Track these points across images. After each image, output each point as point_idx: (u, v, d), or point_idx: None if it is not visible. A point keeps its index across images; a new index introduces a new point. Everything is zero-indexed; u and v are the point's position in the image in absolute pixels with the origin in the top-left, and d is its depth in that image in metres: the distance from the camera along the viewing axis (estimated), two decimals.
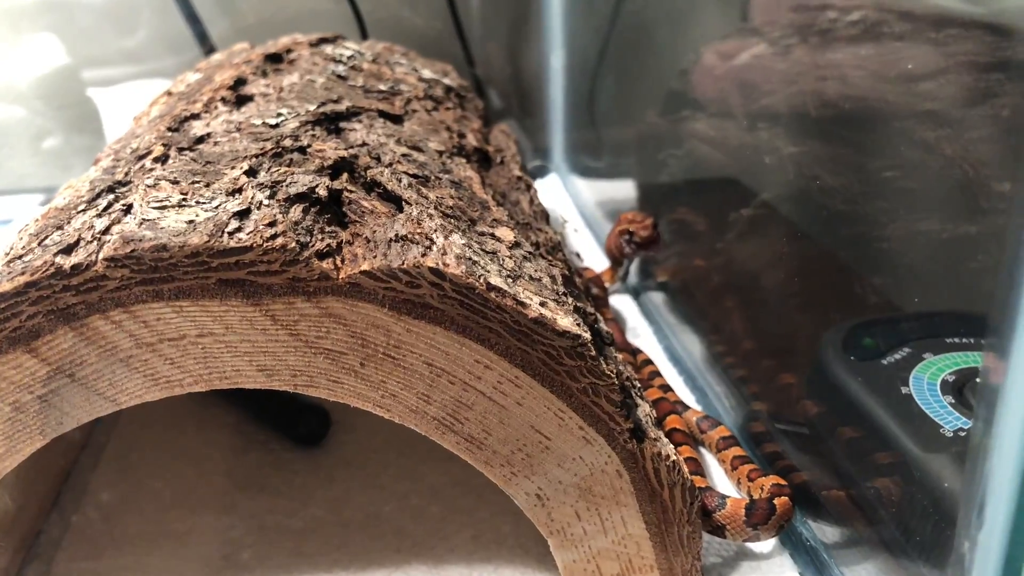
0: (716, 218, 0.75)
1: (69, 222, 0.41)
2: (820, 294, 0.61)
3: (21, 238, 0.43)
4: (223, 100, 0.58)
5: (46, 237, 0.39)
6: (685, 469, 0.41)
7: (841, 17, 0.69)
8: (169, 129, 0.52)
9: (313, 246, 0.36)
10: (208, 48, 1.02)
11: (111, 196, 0.42)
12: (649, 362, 0.60)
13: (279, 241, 0.35)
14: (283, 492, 0.53)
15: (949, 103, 0.57)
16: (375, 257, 0.37)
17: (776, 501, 0.46)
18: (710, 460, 0.54)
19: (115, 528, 0.50)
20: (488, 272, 0.38)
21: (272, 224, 0.36)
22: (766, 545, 0.47)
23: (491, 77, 1.15)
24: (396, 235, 0.38)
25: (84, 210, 0.41)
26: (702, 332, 0.66)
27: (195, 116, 0.54)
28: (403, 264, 0.36)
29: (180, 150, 0.47)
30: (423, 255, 0.37)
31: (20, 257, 0.38)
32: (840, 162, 0.63)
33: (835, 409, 0.51)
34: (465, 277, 0.36)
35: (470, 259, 0.38)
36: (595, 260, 0.80)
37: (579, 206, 0.93)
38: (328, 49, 0.72)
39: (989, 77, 0.55)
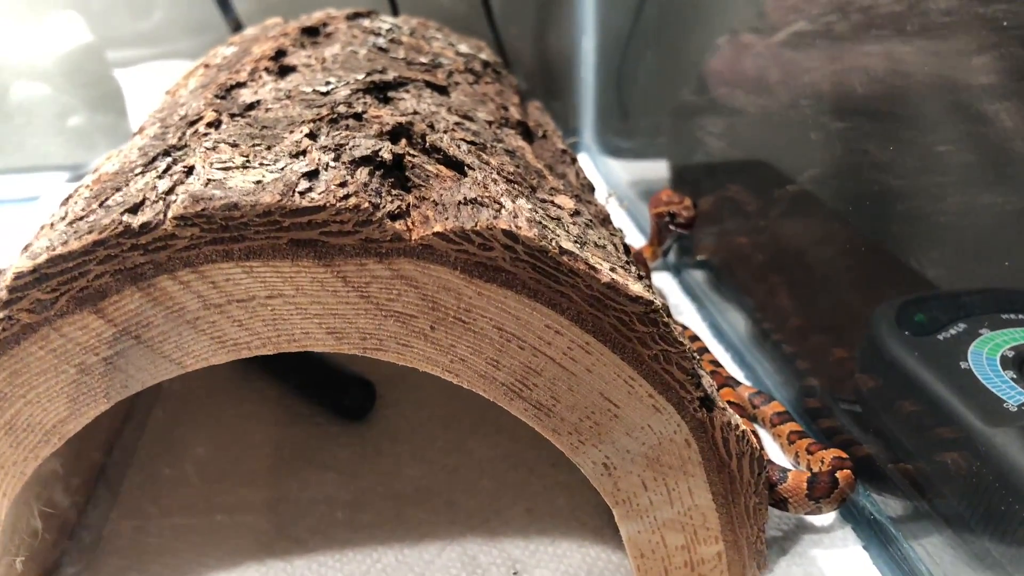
0: (757, 196, 0.74)
1: (127, 184, 0.40)
2: (869, 270, 0.60)
3: (76, 202, 0.42)
4: (267, 70, 0.57)
5: (107, 198, 0.38)
6: (754, 440, 0.40)
7: None
8: (217, 96, 0.51)
9: (384, 207, 0.35)
10: (235, 25, 1.01)
11: (168, 159, 0.41)
12: (696, 338, 0.59)
13: (352, 201, 0.34)
14: (331, 465, 0.52)
15: (1005, 76, 0.56)
16: (446, 219, 0.36)
17: (838, 474, 0.45)
18: (763, 436, 0.53)
19: (162, 498, 0.50)
20: (559, 236, 0.37)
21: (343, 184, 0.35)
22: (827, 518, 0.46)
23: (516, 58, 1.14)
24: (465, 198, 0.38)
25: (142, 172, 0.41)
26: (747, 309, 0.65)
27: (241, 84, 0.54)
28: (476, 226, 0.35)
29: (232, 116, 0.47)
30: (495, 217, 0.36)
31: (82, 218, 0.37)
32: (890, 137, 0.62)
33: (892, 384, 0.50)
34: (538, 240, 0.36)
35: (540, 223, 0.37)
36: (632, 238, 0.79)
37: (612, 185, 0.92)
38: (365, 23, 0.71)
39: None
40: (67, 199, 0.53)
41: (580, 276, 0.36)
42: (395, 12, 0.97)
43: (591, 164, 0.98)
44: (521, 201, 0.39)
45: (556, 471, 0.50)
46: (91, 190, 0.43)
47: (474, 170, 0.41)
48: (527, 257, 0.36)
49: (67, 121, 1.04)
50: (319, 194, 0.35)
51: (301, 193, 0.35)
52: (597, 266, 0.37)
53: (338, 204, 0.34)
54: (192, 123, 0.47)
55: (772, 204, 0.70)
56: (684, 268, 0.75)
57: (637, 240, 0.78)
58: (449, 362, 0.37)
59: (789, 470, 0.45)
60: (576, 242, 0.39)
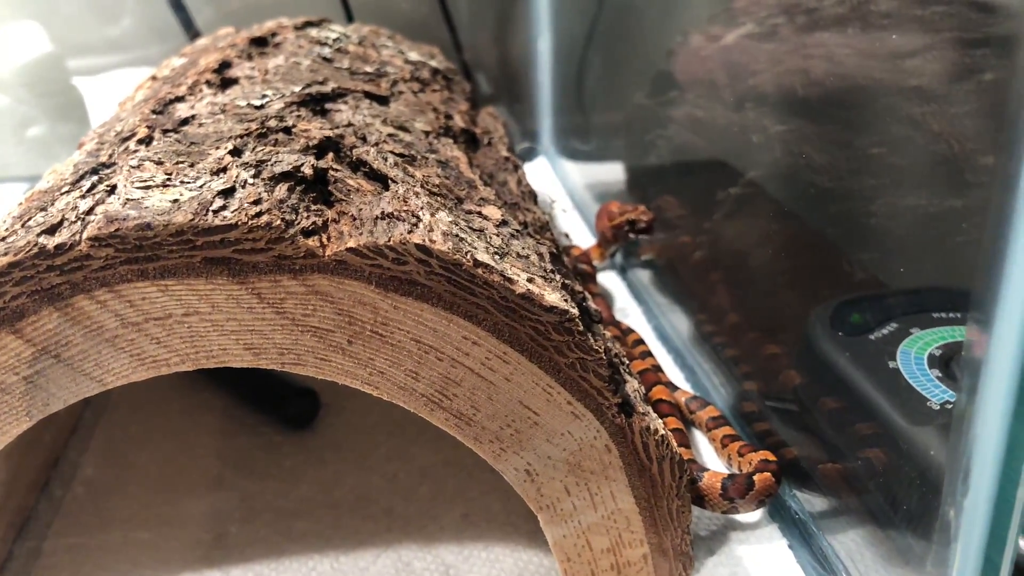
0: (702, 197, 0.75)
1: (52, 203, 0.40)
2: (807, 272, 0.61)
3: (4, 221, 0.42)
4: (208, 83, 0.57)
5: (29, 219, 0.39)
6: (674, 443, 0.41)
7: None
8: (153, 112, 0.52)
9: (299, 224, 0.36)
10: (193, 34, 1.01)
11: (95, 178, 0.42)
12: (641, 342, 0.60)
13: (264, 219, 0.35)
14: (273, 474, 0.53)
15: (935, 79, 0.57)
16: (361, 234, 0.36)
17: (756, 477, 0.46)
18: (700, 440, 0.54)
19: (104, 509, 0.50)
20: (475, 249, 0.38)
21: (257, 202, 0.36)
22: (754, 516, 0.47)
23: (479, 62, 1.14)
24: (382, 212, 0.38)
25: (67, 192, 0.41)
26: (690, 311, 0.66)
27: (179, 99, 0.54)
28: (389, 241, 0.36)
29: (164, 132, 0.47)
30: (409, 232, 0.37)
31: (3, 239, 0.38)
32: (827, 140, 0.63)
33: (824, 384, 0.51)
34: (452, 253, 0.36)
35: (457, 236, 0.38)
36: (583, 240, 0.80)
37: (568, 188, 0.93)
38: (313, 32, 0.72)
39: (974, 53, 0.55)
40: (5, 215, 0.53)
41: (495, 288, 0.37)
42: (349, 19, 0.98)
43: (549, 167, 0.99)
44: (441, 214, 0.40)
45: (494, 476, 0.51)
46: (21, 208, 0.43)
47: (396, 183, 0.42)
48: (442, 270, 0.36)
49: (27, 131, 1.04)
50: (232, 212, 0.35)
51: (215, 211, 0.35)
52: (514, 277, 0.38)
53: (250, 222, 0.35)
54: (124, 139, 0.47)
55: (716, 205, 0.71)
56: (630, 268, 0.76)
57: (586, 239, 0.79)
58: (368, 375, 0.38)
59: (706, 470, 0.46)
60: (496, 254, 0.39)
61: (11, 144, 1.03)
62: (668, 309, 0.68)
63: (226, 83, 0.59)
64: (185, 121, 0.49)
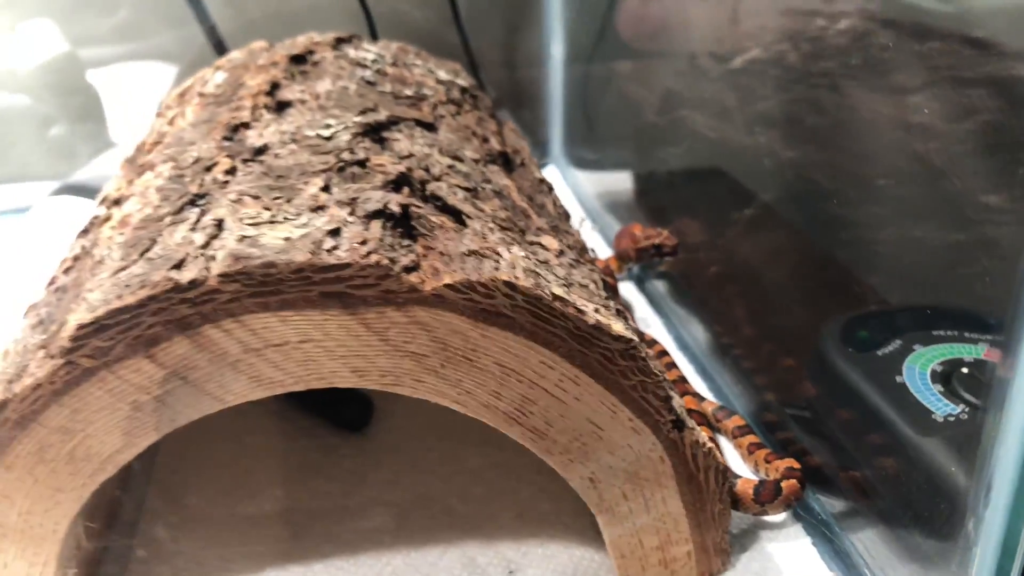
0: (716, 215, 0.80)
1: (161, 234, 0.44)
2: (820, 290, 0.66)
3: (109, 248, 0.46)
4: (266, 107, 0.61)
5: (146, 250, 0.43)
6: (718, 455, 0.46)
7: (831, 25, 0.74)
8: (225, 139, 0.56)
9: (400, 262, 0.40)
10: (208, 26, 1.02)
11: (196, 210, 0.46)
12: (665, 353, 0.65)
13: (373, 258, 0.39)
14: (335, 475, 0.57)
15: (936, 116, 0.62)
16: (454, 271, 0.41)
17: (783, 483, 0.51)
18: (725, 447, 0.60)
19: (185, 510, 0.54)
20: (550, 283, 0.43)
21: (364, 242, 0.40)
22: (780, 517, 0.53)
23: (486, 67, 1.18)
24: (468, 250, 0.43)
25: (172, 223, 0.45)
26: (708, 323, 0.72)
27: (245, 125, 0.58)
28: (481, 278, 0.40)
29: (245, 161, 0.51)
30: (495, 269, 0.41)
31: (125, 268, 0.42)
32: (835, 167, 0.68)
33: (837, 397, 0.57)
34: (534, 289, 0.41)
35: (535, 272, 0.43)
36: (600, 251, 0.85)
37: (579, 198, 0.98)
38: (351, 52, 0.75)
39: (971, 92, 0.60)
40: (85, 232, 0.57)
41: (570, 319, 0.42)
42: (374, 36, 1.01)
43: (559, 176, 1.03)
44: (516, 249, 0.45)
45: (541, 477, 0.56)
46: (122, 235, 0.47)
47: (472, 219, 0.46)
48: (524, 304, 0.41)
49: (48, 131, 1.06)
50: (344, 252, 0.40)
51: (328, 251, 0.40)
52: (583, 308, 0.42)
53: (361, 261, 0.39)
54: (208, 168, 0.51)
55: (730, 224, 0.76)
56: (647, 279, 0.81)
57: (604, 252, 0.83)
58: (457, 394, 0.43)
59: (739, 477, 0.51)
60: (564, 285, 0.44)
61: (33, 144, 1.05)
62: (686, 320, 0.73)
63: (281, 106, 0.62)
64: (260, 151, 0.53)
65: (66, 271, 0.52)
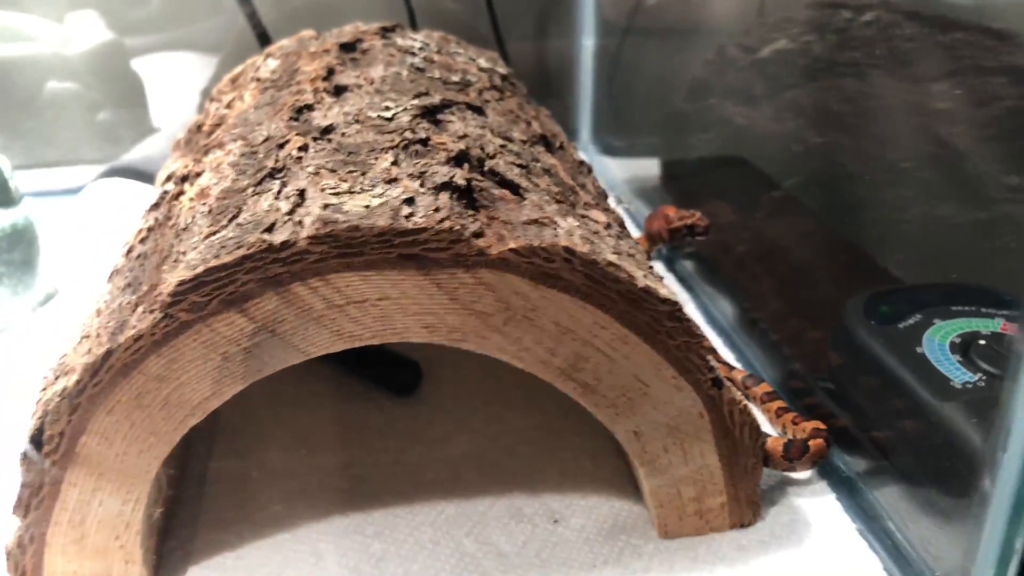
0: (743, 197, 0.84)
1: (246, 203, 0.48)
2: (845, 267, 0.70)
3: (191, 216, 0.50)
4: (326, 91, 0.65)
5: (234, 216, 0.47)
6: (752, 412, 0.50)
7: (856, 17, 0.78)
8: (292, 119, 0.60)
9: (469, 228, 0.44)
10: (250, 13, 1.06)
11: (277, 182, 0.50)
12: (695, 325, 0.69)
13: (447, 224, 0.43)
14: (389, 434, 0.61)
15: (959, 102, 0.66)
16: (518, 237, 0.45)
17: (811, 442, 0.55)
18: (755, 412, 0.63)
19: (251, 462, 0.58)
20: (603, 250, 0.47)
21: (437, 210, 0.44)
22: (807, 475, 0.57)
23: (517, 56, 1.21)
24: (528, 219, 0.47)
25: (256, 193, 0.49)
26: (736, 299, 0.76)
27: (309, 107, 0.62)
28: (542, 244, 0.44)
29: (315, 139, 0.55)
30: (555, 236, 0.45)
31: (216, 233, 0.46)
32: (861, 152, 0.72)
33: (861, 366, 0.61)
34: (591, 254, 0.45)
35: (589, 239, 0.47)
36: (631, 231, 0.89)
37: (607, 184, 1.01)
38: (398, 40, 0.79)
39: (993, 80, 0.64)
40: (155, 206, 0.61)
41: (622, 283, 0.46)
42: (414, 26, 1.05)
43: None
44: (570, 219, 0.49)
45: (581, 439, 0.60)
46: (204, 205, 0.51)
47: (529, 192, 0.50)
48: (581, 268, 0.45)
49: (96, 116, 1.10)
50: (421, 218, 0.44)
51: (406, 217, 0.44)
52: (634, 273, 0.46)
53: (436, 226, 0.43)
54: (280, 145, 0.55)
55: (757, 206, 0.80)
56: (676, 260, 0.84)
57: (634, 233, 0.87)
58: (516, 351, 0.47)
59: (770, 436, 0.55)
60: (616, 253, 0.48)
61: (81, 128, 1.09)
62: (715, 297, 0.77)
63: (339, 90, 0.66)
64: (327, 130, 0.57)
65: (142, 240, 0.56)
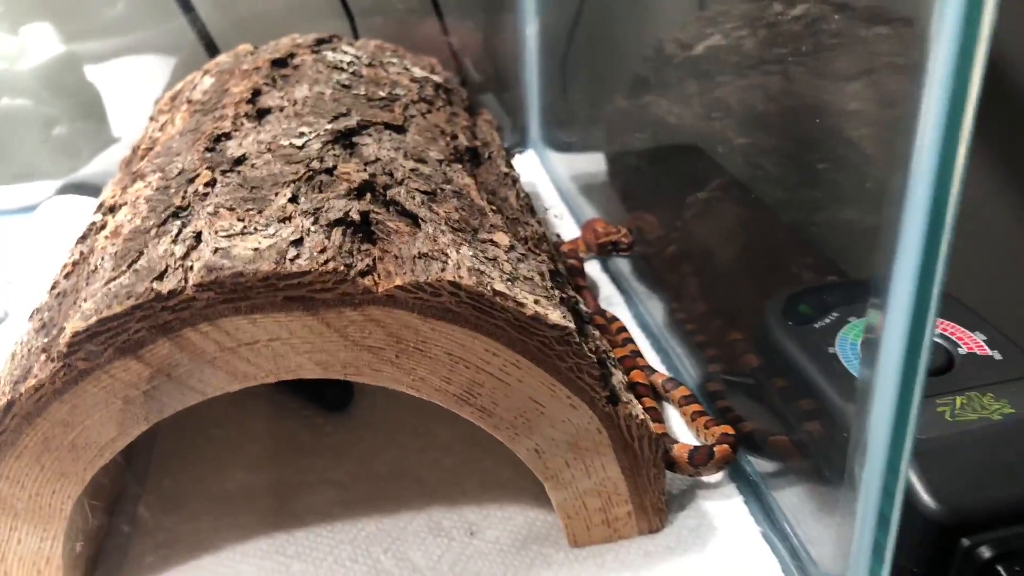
0: (673, 197, 0.85)
1: (147, 246, 0.50)
2: (765, 269, 0.71)
3: (102, 258, 0.52)
4: (247, 116, 0.66)
5: (133, 261, 0.48)
6: (651, 425, 0.52)
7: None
8: (207, 150, 0.61)
9: (355, 267, 0.46)
10: (198, 25, 1.06)
11: (178, 223, 0.51)
12: (623, 329, 0.71)
13: (331, 265, 0.45)
14: (319, 451, 0.63)
15: (871, 103, 0.66)
16: (404, 273, 0.46)
17: (716, 448, 0.57)
18: (673, 415, 0.65)
19: (181, 486, 0.60)
20: (493, 279, 0.48)
21: (323, 251, 0.46)
22: (716, 478, 0.58)
23: (467, 51, 1.22)
24: (419, 252, 0.48)
25: (157, 236, 0.51)
26: (665, 300, 0.77)
27: (227, 135, 0.63)
28: (427, 279, 0.46)
29: (224, 172, 0.56)
30: (442, 270, 0.47)
31: (115, 279, 0.47)
32: (780, 153, 0.73)
33: (776, 367, 0.62)
34: (476, 287, 0.46)
35: (478, 270, 0.48)
36: (569, 231, 0.90)
37: (554, 179, 1.02)
38: (329, 55, 0.80)
39: (904, 79, 0.64)
40: (83, 238, 0.63)
41: (510, 311, 0.47)
42: (354, 29, 1.06)
43: (536, 159, 1.08)
44: (464, 249, 0.50)
45: (503, 449, 0.61)
46: (114, 245, 0.53)
47: (426, 223, 0.52)
48: (468, 300, 0.47)
49: (52, 131, 1.11)
50: (305, 260, 0.45)
51: (291, 260, 0.45)
52: (523, 301, 0.48)
53: (320, 268, 0.45)
54: (191, 180, 0.56)
55: (686, 206, 0.81)
56: (611, 258, 0.86)
57: (574, 231, 0.89)
58: (411, 381, 0.48)
59: (676, 442, 0.57)
60: (509, 280, 0.49)
61: (37, 144, 1.11)
62: (646, 297, 0.78)
63: (261, 114, 0.67)
64: (239, 160, 0.58)
65: (66, 276, 0.58)
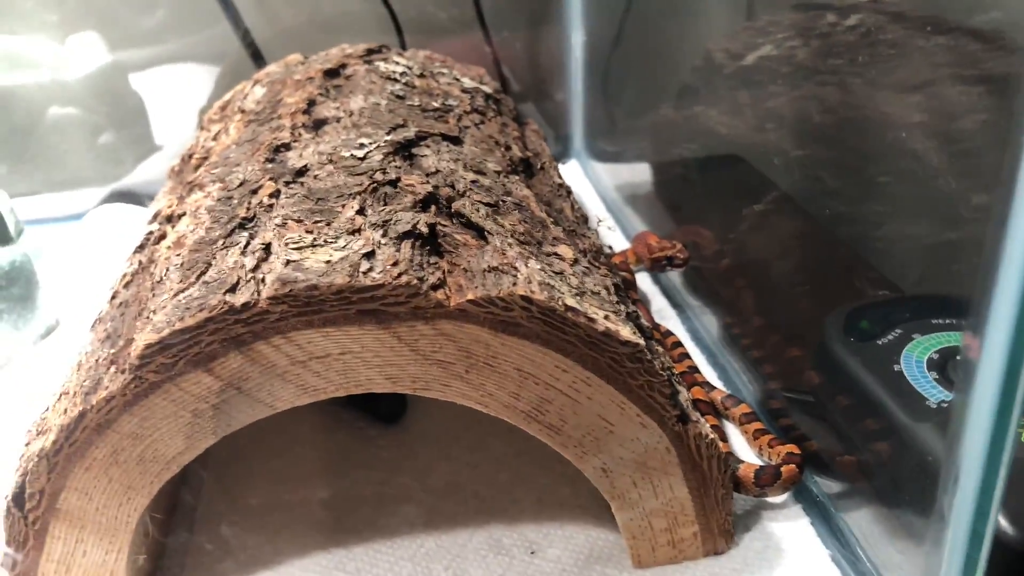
0: (726, 209, 0.84)
1: (215, 258, 0.50)
2: (825, 282, 0.70)
3: (167, 269, 0.52)
4: (304, 127, 0.66)
5: (202, 273, 0.48)
6: (720, 445, 0.51)
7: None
8: (267, 160, 0.61)
9: (428, 280, 0.45)
10: (243, 31, 1.07)
11: (245, 234, 0.51)
12: (679, 344, 0.70)
13: (404, 279, 0.44)
14: (373, 464, 0.63)
15: (933, 115, 0.65)
16: (476, 287, 0.46)
17: (783, 468, 0.56)
18: (733, 432, 0.64)
19: (238, 500, 0.60)
20: (563, 294, 0.47)
21: (396, 264, 0.45)
22: (781, 498, 0.57)
23: (510, 61, 1.21)
24: (489, 266, 0.48)
25: (224, 247, 0.50)
26: (719, 314, 0.76)
27: (286, 146, 0.63)
28: (499, 293, 0.45)
29: (287, 183, 0.56)
30: (513, 284, 0.46)
31: (184, 291, 0.47)
32: (840, 165, 0.72)
33: (839, 385, 0.61)
34: (548, 302, 0.46)
35: (548, 284, 0.47)
36: (619, 242, 0.89)
37: (600, 190, 1.02)
38: (381, 66, 0.80)
39: (971, 91, 0.63)
40: (141, 247, 0.62)
41: (581, 327, 0.46)
42: (401, 39, 1.06)
43: (580, 170, 1.07)
44: (532, 263, 0.49)
45: (561, 465, 0.60)
46: (179, 256, 0.52)
47: (492, 235, 0.51)
48: (539, 315, 0.46)
49: (98, 139, 1.12)
50: (378, 273, 0.45)
51: (364, 273, 0.45)
52: (594, 316, 0.47)
53: (393, 282, 0.44)
54: (254, 191, 0.56)
55: (740, 219, 0.80)
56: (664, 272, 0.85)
57: (623, 243, 0.88)
58: (480, 396, 0.48)
59: (742, 462, 0.56)
60: (577, 294, 0.49)
61: (84, 152, 1.11)
62: (700, 311, 0.77)
63: (318, 124, 0.67)
64: (301, 172, 0.58)
65: (126, 286, 0.58)
